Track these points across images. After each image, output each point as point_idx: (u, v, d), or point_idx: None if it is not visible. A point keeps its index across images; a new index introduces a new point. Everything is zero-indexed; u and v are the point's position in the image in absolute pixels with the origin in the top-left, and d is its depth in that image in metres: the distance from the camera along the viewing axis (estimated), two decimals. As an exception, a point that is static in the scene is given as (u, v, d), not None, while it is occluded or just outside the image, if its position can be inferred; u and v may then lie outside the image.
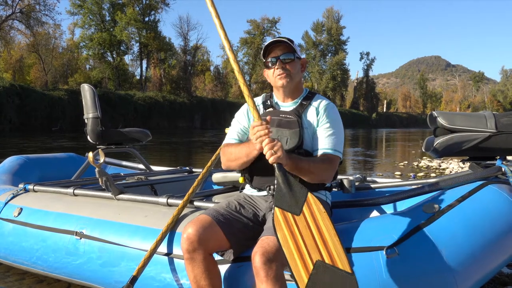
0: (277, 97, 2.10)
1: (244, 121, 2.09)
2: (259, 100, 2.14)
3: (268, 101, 2.09)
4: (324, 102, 2.02)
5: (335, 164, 1.91)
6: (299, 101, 2.04)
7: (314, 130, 1.97)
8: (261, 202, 2.00)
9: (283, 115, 1.97)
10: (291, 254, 1.48)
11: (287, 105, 2.05)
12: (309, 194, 1.61)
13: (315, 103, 2.02)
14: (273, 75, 2.00)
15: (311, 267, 1.46)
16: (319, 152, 1.91)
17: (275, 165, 1.65)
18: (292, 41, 2.00)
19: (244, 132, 2.07)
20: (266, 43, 2.02)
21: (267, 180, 1.95)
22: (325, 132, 1.94)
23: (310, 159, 1.86)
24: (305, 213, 1.57)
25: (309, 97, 2.06)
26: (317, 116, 1.98)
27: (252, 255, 1.59)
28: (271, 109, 2.06)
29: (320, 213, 1.56)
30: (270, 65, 2.01)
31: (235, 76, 1.86)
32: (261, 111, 2.08)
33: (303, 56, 2.07)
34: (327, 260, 1.47)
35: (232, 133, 2.10)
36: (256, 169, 1.99)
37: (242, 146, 1.92)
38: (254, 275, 1.60)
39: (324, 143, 1.92)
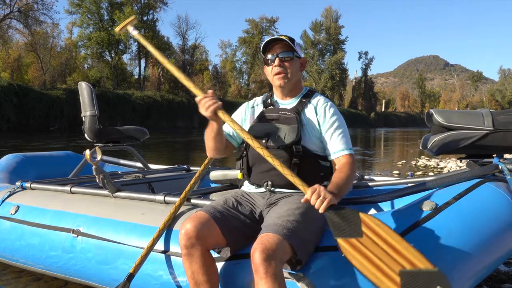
0: (277, 95, 2.13)
1: (238, 121, 2.12)
2: (259, 99, 2.18)
3: (269, 100, 2.13)
4: (322, 101, 2.05)
5: (355, 162, 1.95)
6: (298, 99, 2.07)
7: (314, 129, 1.99)
8: (258, 199, 1.99)
9: (282, 112, 2.00)
10: (376, 276, 1.49)
11: (287, 103, 2.09)
12: (360, 214, 1.60)
13: (313, 101, 2.05)
14: (271, 73, 2.03)
15: (398, 279, 1.47)
16: (339, 155, 1.94)
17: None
18: (293, 40, 2.02)
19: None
20: (265, 40, 2.04)
21: (264, 175, 1.97)
22: (334, 134, 1.97)
23: (342, 177, 1.84)
24: (366, 232, 1.57)
25: (309, 95, 2.09)
26: (317, 115, 2.00)
27: (251, 251, 1.59)
28: (271, 107, 2.09)
29: (379, 226, 1.57)
30: (269, 62, 2.03)
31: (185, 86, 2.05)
32: (261, 109, 2.11)
33: (302, 55, 2.09)
34: (408, 266, 1.48)
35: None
36: (253, 163, 2.01)
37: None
38: (251, 273, 1.59)
39: (339, 145, 1.95)
